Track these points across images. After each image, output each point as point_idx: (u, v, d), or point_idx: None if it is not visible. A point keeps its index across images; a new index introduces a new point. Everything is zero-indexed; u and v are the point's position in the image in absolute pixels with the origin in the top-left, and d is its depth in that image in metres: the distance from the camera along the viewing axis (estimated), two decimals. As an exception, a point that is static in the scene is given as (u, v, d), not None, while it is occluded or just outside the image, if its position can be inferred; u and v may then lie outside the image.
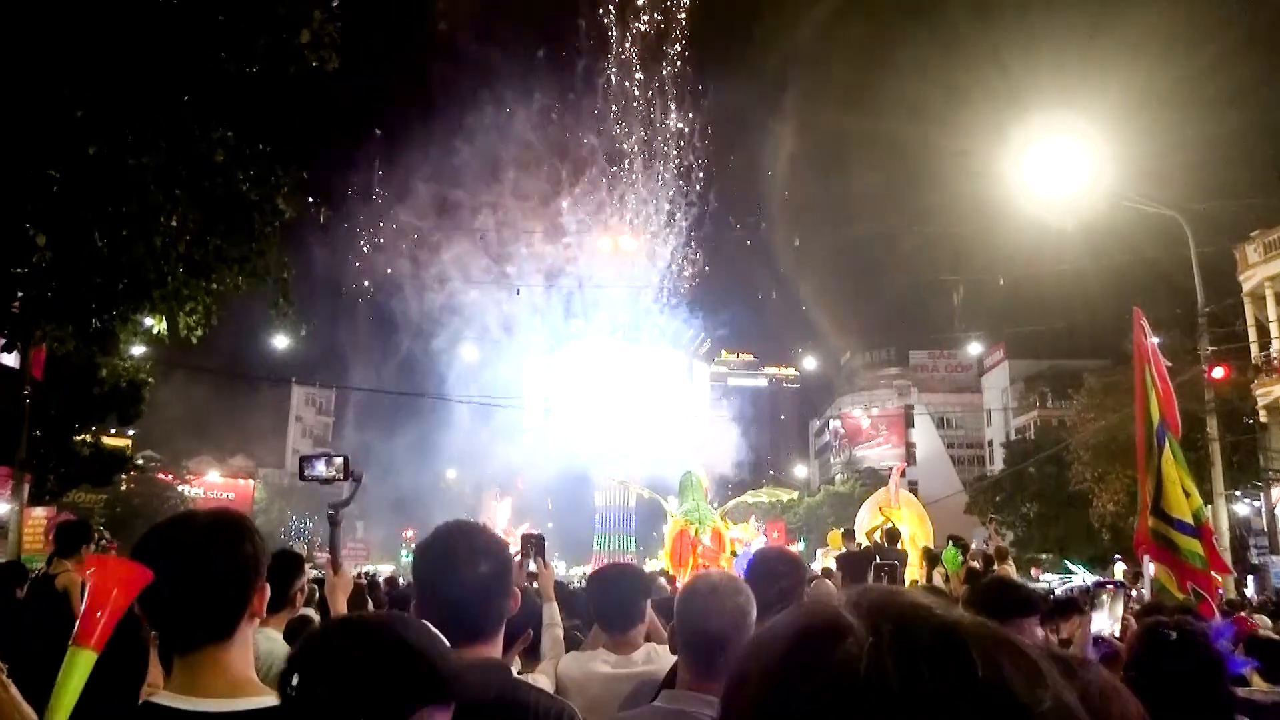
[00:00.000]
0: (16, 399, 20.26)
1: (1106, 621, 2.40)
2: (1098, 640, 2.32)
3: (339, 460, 3.29)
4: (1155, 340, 6.39)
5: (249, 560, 1.68)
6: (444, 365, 47.28)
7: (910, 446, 71.16)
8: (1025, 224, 31.89)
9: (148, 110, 7.26)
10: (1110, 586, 2.44)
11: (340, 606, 2.99)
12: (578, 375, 47.17)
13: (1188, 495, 5.01)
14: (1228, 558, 19.74)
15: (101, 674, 2.70)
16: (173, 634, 1.68)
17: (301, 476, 3.28)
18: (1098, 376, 31.94)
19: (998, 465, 50.71)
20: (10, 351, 16.13)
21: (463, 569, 1.96)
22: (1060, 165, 18.13)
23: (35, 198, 7.00)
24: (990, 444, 64.11)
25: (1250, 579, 22.99)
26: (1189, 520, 4.91)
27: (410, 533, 66.57)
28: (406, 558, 59.23)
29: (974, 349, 66.51)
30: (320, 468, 3.26)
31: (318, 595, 9.44)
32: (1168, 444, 5.17)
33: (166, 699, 1.62)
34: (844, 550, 12.34)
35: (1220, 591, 15.59)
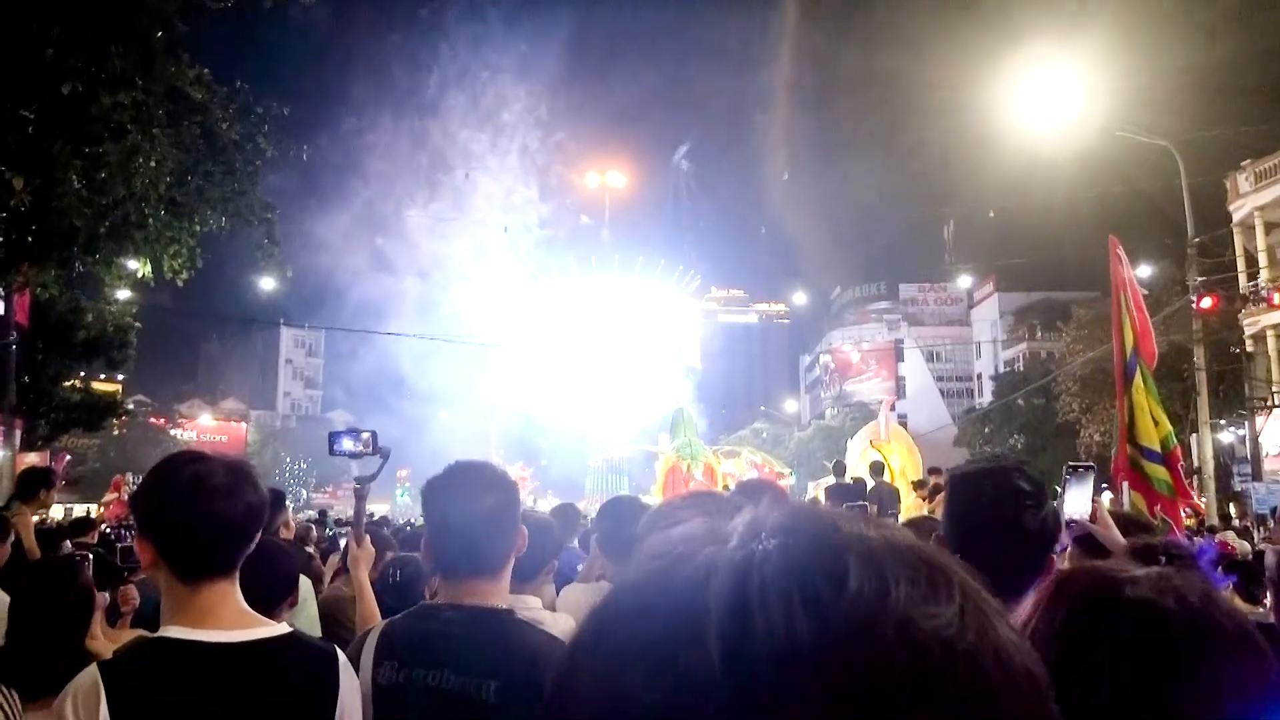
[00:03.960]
0: (2, 345, 20.16)
1: (1079, 503, 2.44)
2: (1070, 523, 2.36)
3: (366, 435, 3.31)
4: (1135, 271, 6.42)
5: (254, 503, 1.76)
6: (433, 305, 47.10)
7: (900, 380, 71.52)
8: (1016, 156, 31.71)
9: (120, 47, 7.08)
10: (1080, 469, 2.45)
11: (362, 576, 3.04)
12: (568, 312, 47.10)
13: (1156, 424, 5.08)
14: (1212, 485, 20.11)
15: (43, 617, 2.73)
16: (182, 565, 1.76)
17: (331, 451, 3.30)
18: (1086, 308, 32.03)
19: (987, 398, 51.10)
20: (-6, 297, 15.97)
21: (469, 505, 2.00)
22: (1051, 96, 17.92)
23: (9, 139, 6.87)
24: (979, 377, 64.54)
25: (1232, 505, 23.42)
26: (1156, 448, 4.99)
27: (404, 472, 67.13)
28: (401, 497, 59.83)
29: (964, 282, 66.54)
30: (348, 443, 3.28)
31: (313, 534, 9.54)
32: (1139, 372, 5.23)
33: (180, 632, 1.69)
34: (834, 483, 12.49)
35: (1201, 517, 15.91)
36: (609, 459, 26.91)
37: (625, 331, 45.80)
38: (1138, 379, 5.19)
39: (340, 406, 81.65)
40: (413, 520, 15.88)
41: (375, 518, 16.09)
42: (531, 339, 45.22)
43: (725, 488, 16.97)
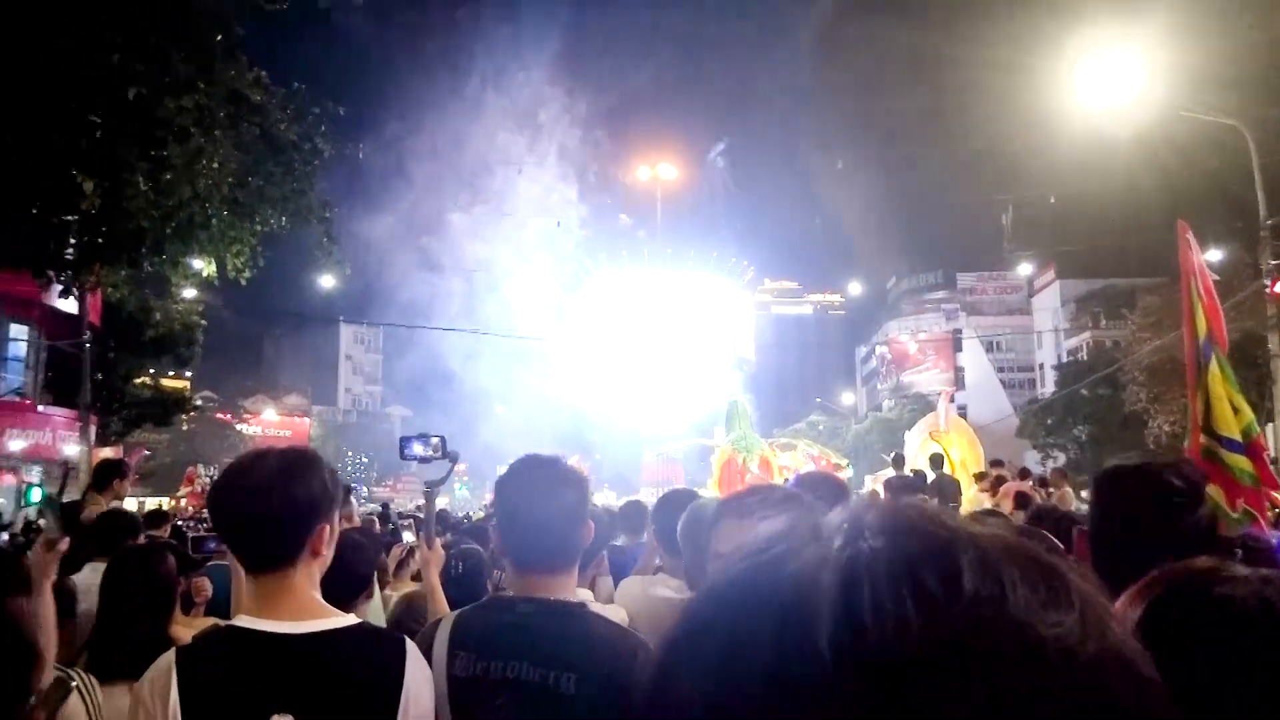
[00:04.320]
0: (77, 345, 20.87)
1: None
2: None
3: (436, 440, 3.38)
4: (1204, 255, 6.19)
5: (302, 499, 1.78)
6: (486, 301, 47.54)
7: (959, 371, 70.40)
8: (1076, 139, 30.87)
9: (182, 52, 7.26)
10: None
11: (433, 579, 3.08)
12: (620, 306, 47.17)
13: (1236, 412, 4.87)
14: (1287, 474, 19.40)
15: (128, 602, 2.83)
16: (244, 557, 1.84)
17: (401, 455, 3.38)
18: (1154, 294, 31.10)
19: (1049, 388, 49.99)
20: (67, 297, 16.52)
21: (545, 499, 2.01)
22: (1113, 75, 17.37)
23: (80, 143, 7.08)
24: (1041, 367, 63.16)
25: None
26: (1237, 438, 4.80)
27: (462, 466, 68.01)
28: (460, 491, 60.63)
29: (1024, 270, 65.07)
30: (419, 448, 3.35)
31: (375, 528, 9.70)
32: (1214, 359, 5.03)
33: (248, 621, 1.75)
34: (892, 475, 12.33)
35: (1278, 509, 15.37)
36: (663, 452, 26.90)
37: (677, 324, 45.72)
38: (1213, 367, 5.00)
39: (399, 401, 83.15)
40: (470, 513, 16.07)
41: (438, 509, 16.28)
42: (584, 333, 45.40)
43: (785, 480, 16.86)
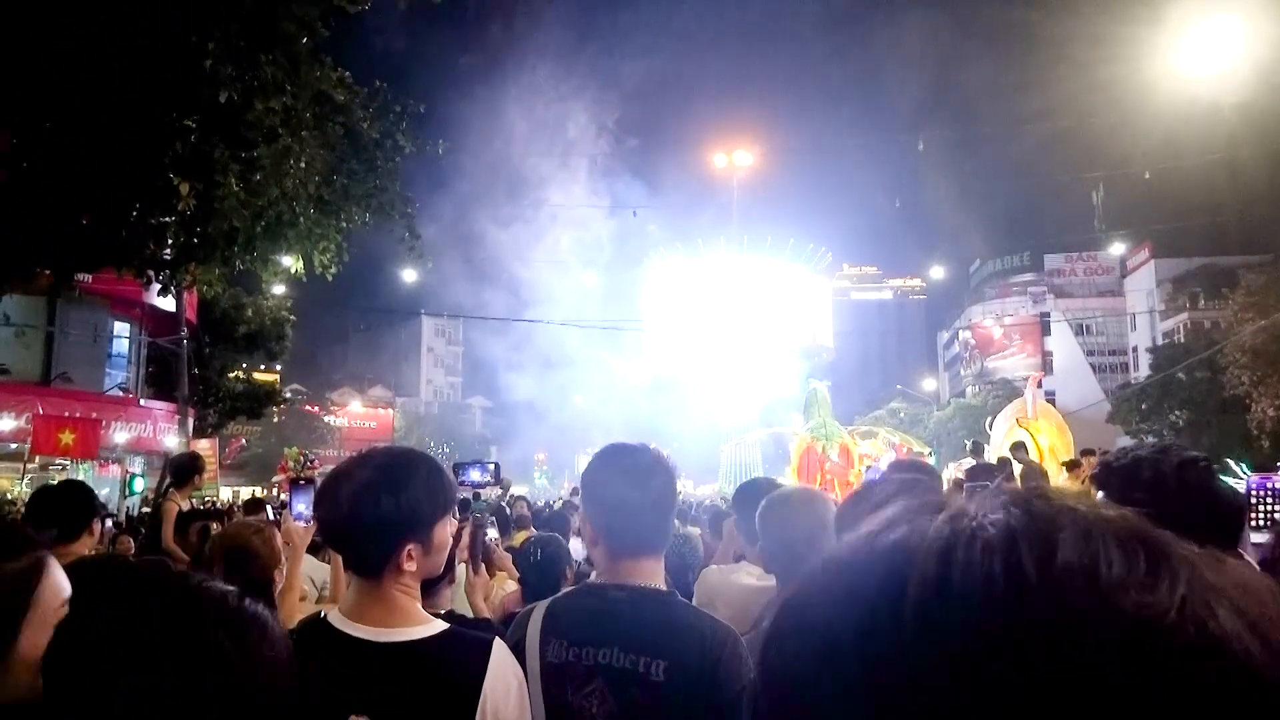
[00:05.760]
0: (175, 341, 21.77)
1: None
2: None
3: (491, 466, 3.45)
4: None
5: (387, 510, 1.77)
6: (566, 291, 47.96)
7: (1046, 355, 68.25)
8: (1173, 110, 29.55)
9: (270, 55, 7.48)
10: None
11: (479, 604, 3.10)
12: (699, 294, 47.05)
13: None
14: None
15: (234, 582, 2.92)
16: (345, 560, 1.91)
17: (459, 482, 3.43)
18: (1256, 272, 29.66)
19: (1143, 372, 48.18)
20: (165, 296, 17.23)
21: (636, 487, 2.02)
22: (1213, 41, 16.52)
23: (176, 148, 7.37)
24: (1135, 350, 60.86)
25: None
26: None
27: (542, 455, 68.81)
28: (539, 480, 61.40)
29: (1116, 249, 62.68)
30: (476, 474, 3.43)
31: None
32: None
33: (337, 620, 1.80)
34: (974, 464, 12.03)
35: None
36: (741, 440, 26.80)
37: (754, 312, 45.39)
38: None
39: (479, 393, 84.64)
40: (551, 501, 16.28)
41: (514, 497, 16.53)
42: (661, 322, 45.44)
43: (867, 468, 16.62)
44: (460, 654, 1.78)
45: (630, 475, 2.04)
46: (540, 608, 2.07)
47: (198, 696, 0.95)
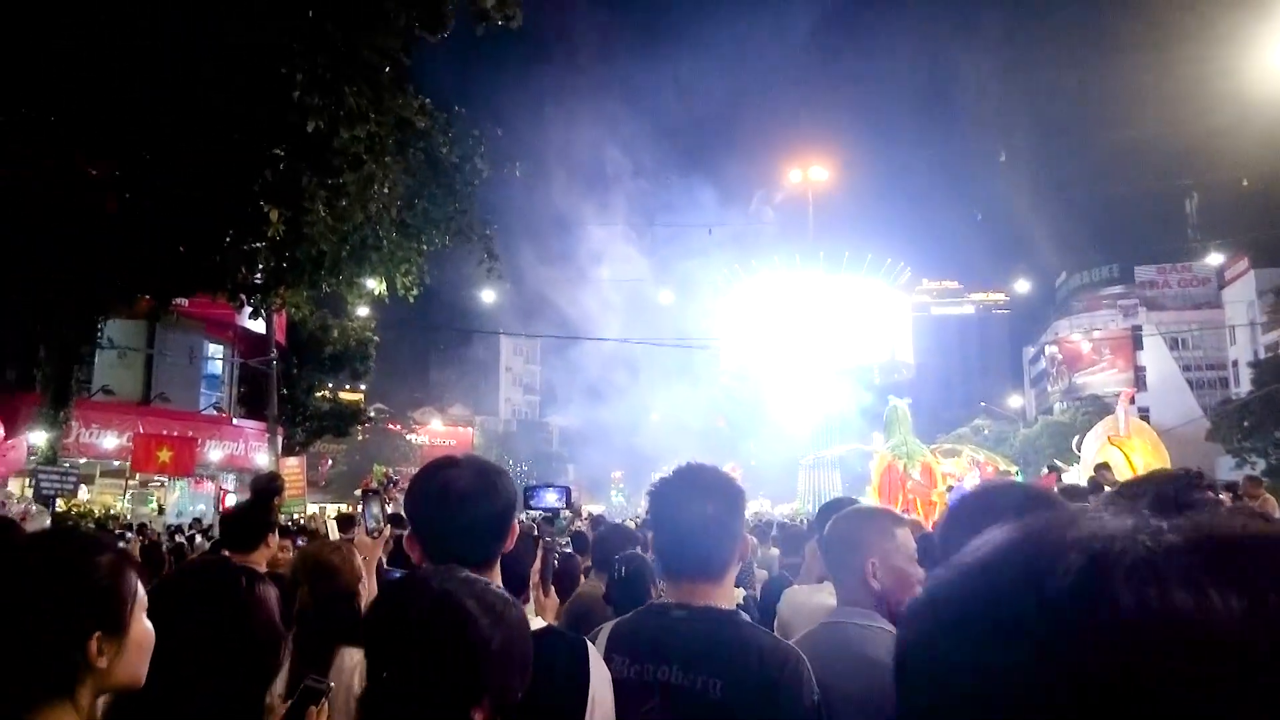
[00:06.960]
0: (265, 362, 22.53)
1: None
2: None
3: (563, 491, 3.47)
4: None
5: (493, 509, 1.86)
6: (643, 311, 48.17)
7: (1139, 370, 65.71)
8: (1267, 114, 28.27)
9: (354, 85, 7.73)
10: None
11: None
12: (775, 311, 46.73)
13: None
14: None
15: (318, 598, 2.99)
16: (439, 561, 1.92)
17: (528, 505, 3.48)
18: (1367, 282, 28.08)
19: (1244, 387, 45.96)
20: (256, 318, 17.87)
21: (692, 509, 2.02)
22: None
23: (266, 176, 7.65)
24: (1235, 364, 58.12)
25: None
26: None
27: (618, 474, 69.04)
28: (616, 498, 61.56)
29: (1212, 260, 60.05)
30: (550, 496, 3.45)
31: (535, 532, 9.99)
32: None
33: None
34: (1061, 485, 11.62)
35: None
36: (820, 457, 26.41)
37: (832, 328, 44.86)
38: None
39: (556, 411, 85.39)
40: (629, 520, 16.26)
41: (589, 516, 16.58)
42: (737, 339, 45.23)
43: (949, 488, 16.21)
44: (566, 650, 1.85)
45: (684, 497, 2.05)
46: (608, 625, 2.11)
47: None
